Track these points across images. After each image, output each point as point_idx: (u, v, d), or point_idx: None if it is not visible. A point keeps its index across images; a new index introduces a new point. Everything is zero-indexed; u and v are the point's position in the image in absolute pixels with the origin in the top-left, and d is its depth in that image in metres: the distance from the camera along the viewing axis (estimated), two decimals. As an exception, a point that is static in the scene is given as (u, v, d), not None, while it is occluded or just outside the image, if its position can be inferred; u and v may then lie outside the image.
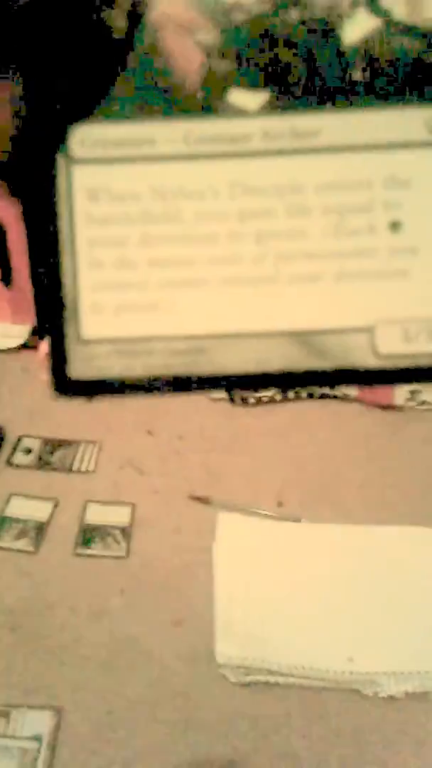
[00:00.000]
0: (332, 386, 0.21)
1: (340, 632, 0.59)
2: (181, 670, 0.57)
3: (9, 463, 0.78)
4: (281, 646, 0.57)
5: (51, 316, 0.21)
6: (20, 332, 0.97)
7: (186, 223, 0.21)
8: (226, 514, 0.71)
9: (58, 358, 0.21)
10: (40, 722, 0.52)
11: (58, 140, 0.20)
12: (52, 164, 0.20)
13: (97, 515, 0.72)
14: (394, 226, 0.20)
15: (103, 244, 0.21)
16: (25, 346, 0.96)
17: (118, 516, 0.71)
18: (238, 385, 0.21)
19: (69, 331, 0.21)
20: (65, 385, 0.21)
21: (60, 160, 0.20)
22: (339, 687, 0.55)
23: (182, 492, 0.74)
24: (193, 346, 0.21)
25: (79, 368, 0.21)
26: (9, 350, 0.95)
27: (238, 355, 0.21)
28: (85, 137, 0.21)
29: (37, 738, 0.51)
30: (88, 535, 0.69)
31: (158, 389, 0.21)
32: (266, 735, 0.52)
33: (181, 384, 0.21)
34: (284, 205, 0.20)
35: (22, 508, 0.72)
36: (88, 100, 0.20)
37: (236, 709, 0.54)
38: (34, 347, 0.90)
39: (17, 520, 0.71)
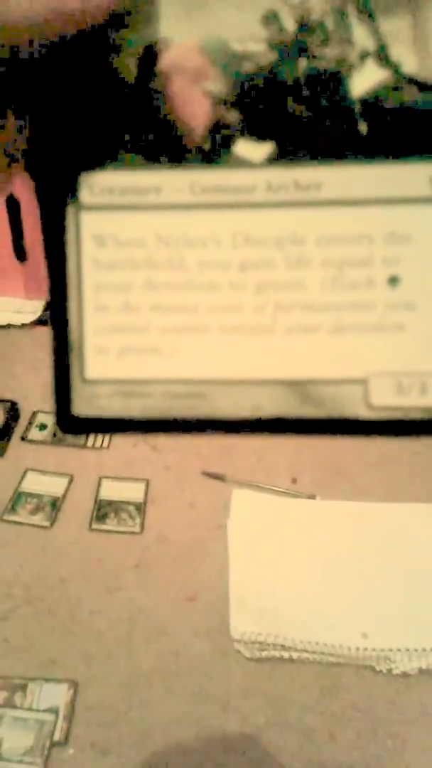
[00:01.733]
0: (324, 434, 0.22)
1: (354, 608, 0.59)
2: (195, 645, 0.57)
3: (24, 438, 0.78)
4: (295, 622, 0.58)
5: (57, 356, 0.21)
6: (34, 308, 0.97)
7: (189, 271, 0.21)
8: (240, 490, 0.71)
9: (63, 397, 0.22)
10: (56, 695, 0.53)
11: (68, 188, 0.21)
12: (61, 211, 0.21)
13: (111, 491, 0.72)
14: (393, 280, 0.20)
15: (109, 289, 0.21)
16: (39, 322, 0.96)
17: (133, 492, 0.72)
18: (234, 429, 0.21)
19: (74, 370, 0.21)
20: (68, 422, 0.22)
21: (69, 207, 0.21)
22: (352, 663, 0.55)
23: (196, 468, 0.74)
24: (191, 390, 0.21)
25: (82, 406, 0.22)
26: (23, 326, 0.95)
27: (235, 401, 0.21)
28: (94, 184, 0.21)
29: (54, 710, 0.51)
30: (102, 511, 0.70)
31: (156, 430, 0.22)
32: (280, 710, 0.53)
33: (178, 426, 0.21)
34: (285, 257, 0.21)
35: (37, 484, 0.73)
36: (99, 149, 0.21)
37: (250, 684, 0.54)
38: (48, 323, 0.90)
39: (32, 495, 0.71)
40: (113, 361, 0.21)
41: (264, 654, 0.56)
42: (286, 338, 0.21)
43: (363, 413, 0.21)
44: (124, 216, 0.21)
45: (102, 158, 0.21)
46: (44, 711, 0.51)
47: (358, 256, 0.21)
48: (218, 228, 0.21)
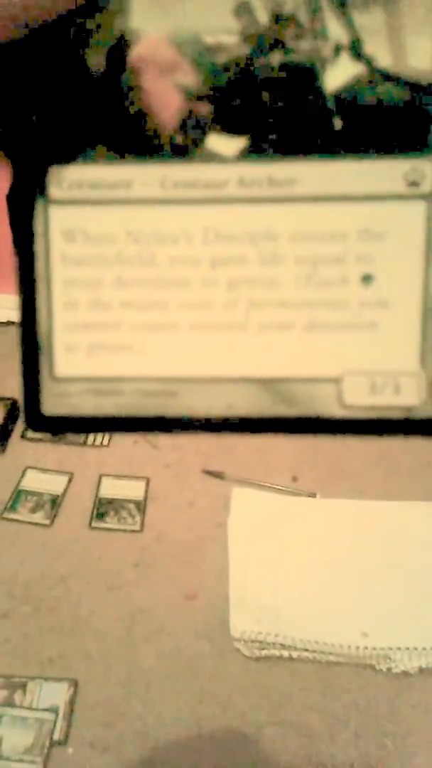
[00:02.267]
0: (297, 433, 0.22)
1: (354, 607, 0.59)
2: (195, 644, 0.57)
3: (24, 436, 0.78)
4: (295, 621, 0.58)
5: (26, 353, 0.21)
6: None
7: (160, 267, 0.21)
8: (241, 488, 0.71)
9: (32, 395, 0.21)
10: (56, 694, 0.53)
11: (36, 182, 0.20)
12: (29, 205, 0.21)
13: (111, 489, 0.72)
14: (367, 278, 0.20)
15: (78, 285, 0.21)
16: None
17: (133, 490, 0.72)
18: (207, 428, 0.21)
19: (43, 368, 0.21)
20: (38, 421, 0.21)
21: (38, 201, 0.21)
22: (352, 662, 0.55)
23: (196, 467, 0.74)
24: (163, 388, 0.21)
25: (51, 405, 0.21)
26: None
27: (208, 399, 0.21)
28: (63, 178, 0.21)
29: (54, 709, 0.51)
30: (102, 509, 0.69)
31: (129, 428, 0.21)
32: (279, 708, 0.52)
33: (150, 424, 0.21)
34: (257, 253, 0.20)
35: (37, 482, 0.73)
36: (67, 143, 0.20)
37: (250, 683, 0.54)
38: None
39: (32, 493, 0.71)
40: (83, 358, 0.21)
41: (264, 653, 0.56)
42: (259, 336, 0.21)
43: (337, 412, 0.21)
44: (94, 211, 0.21)
45: (71, 152, 0.20)
46: (44, 710, 0.51)
47: (332, 253, 0.20)
48: (189, 223, 0.20)
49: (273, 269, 0.20)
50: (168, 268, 0.21)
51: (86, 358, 0.21)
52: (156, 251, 0.21)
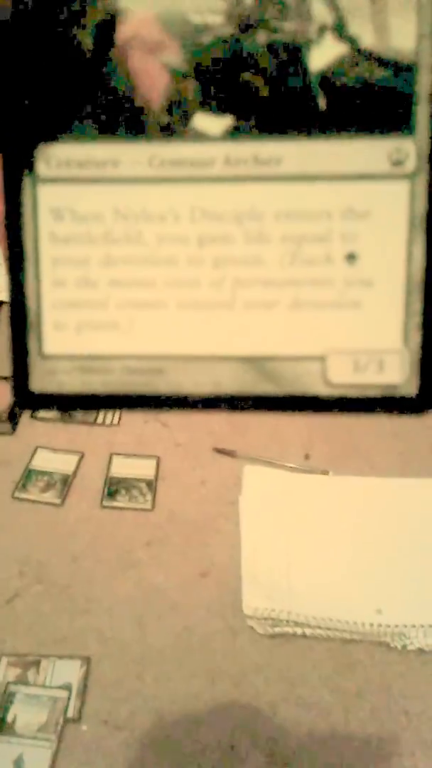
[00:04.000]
0: (282, 411, 0.22)
1: (368, 584, 0.59)
2: (207, 622, 0.57)
3: (34, 416, 0.78)
4: (308, 598, 0.57)
5: (15, 331, 0.21)
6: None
7: (147, 246, 0.21)
8: (252, 466, 0.70)
9: (21, 372, 0.22)
10: (69, 672, 0.53)
11: (24, 160, 0.21)
12: (18, 183, 0.21)
13: (122, 468, 0.72)
14: (351, 257, 0.21)
15: (66, 263, 0.21)
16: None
17: (143, 469, 0.71)
18: (193, 405, 0.22)
19: (31, 346, 0.21)
20: (27, 398, 0.22)
21: (26, 179, 0.21)
22: (367, 639, 0.55)
23: (207, 445, 0.73)
24: (150, 366, 0.21)
25: (40, 382, 0.22)
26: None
27: (194, 377, 0.21)
28: (51, 157, 0.21)
29: (67, 687, 0.51)
30: (113, 488, 0.69)
31: (116, 406, 0.22)
32: (293, 686, 0.52)
33: (138, 402, 0.22)
34: (243, 232, 0.21)
35: (47, 461, 0.72)
36: (55, 121, 0.20)
37: (263, 660, 0.54)
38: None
39: (43, 473, 0.71)
40: (71, 336, 0.21)
41: (277, 630, 0.55)
42: (245, 314, 0.21)
43: (321, 390, 0.21)
44: (82, 189, 0.21)
45: (59, 130, 0.21)
46: (57, 687, 0.51)
47: (317, 232, 0.21)
48: (176, 202, 0.21)
49: (258, 248, 0.21)
50: (155, 247, 0.21)
51: (74, 336, 0.21)
52: (143, 229, 0.21)
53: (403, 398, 0.21)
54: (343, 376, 0.21)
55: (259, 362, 0.21)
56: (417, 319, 0.21)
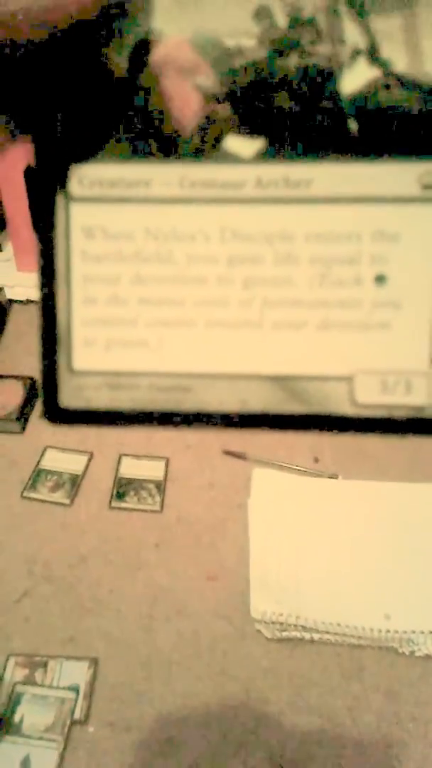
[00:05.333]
0: (309, 430, 0.22)
1: (376, 590, 0.58)
2: (215, 625, 0.57)
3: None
4: (316, 603, 0.57)
5: (45, 346, 0.22)
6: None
7: (177, 265, 0.21)
8: (261, 469, 0.70)
9: (50, 387, 0.22)
10: (77, 673, 0.53)
11: (58, 180, 0.21)
12: (51, 202, 0.21)
13: (131, 469, 0.72)
14: (380, 279, 0.21)
15: (97, 281, 0.21)
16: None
17: (152, 470, 0.71)
18: (220, 423, 0.22)
19: (61, 361, 0.22)
20: (56, 413, 0.22)
21: (59, 198, 0.21)
22: (375, 645, 0.55)
23: (216, 447, 0.73)
24: (178, 383, 0.21)
25: (69, 398, 0.22)
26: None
27: (221, 395, 0.21)
28: (84, 176, 0.21)
29: (74, 688, 0.51)
30: (122, 489, 0.69)
31: (143, 422, 0.22)
32: (301, 691, 0.52)
33: (165, 419, 0.22)
34: (273, 253, 0.21)
35: (57, 461, 0.72)
36: (89, 141, 0.21)
37: (271, 664, 0.54)
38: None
39: (52, 473, 0.71)
40: (101, 353, 0.21)
41: (285, 634, 0.55)
42: (273, 334, 0.21)
43: (348, 410, 0.21)
44: (114, 208, 0.21)
45: (92, 150, 0.21)
46: (65, 688, 0.51)
47: (346, 253, 0.21)
48: (207, 222, 0.21)
49: (288, 269, 0.21)
50: (185, 266, 0.21)
51: (104, 353, 0.21)
52: (174, 249, 0.21)
53: (430, 420, 0.21)
54: (370, 397, 0.21)
55: (286, 381, 0.21)
56: None
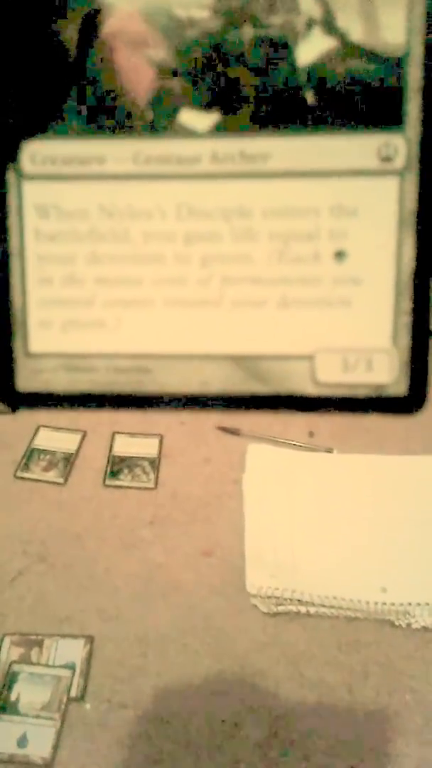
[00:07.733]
0: (271, 410, 0.22)
1: (372, 562, 0.58)
2: (211, 600, 0.57)
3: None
4: (312, 576, 0.57)
5: (0, 329, 0.21)
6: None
7: (133, 243, 0.21)
8: (256, 444, 0.70)
9: (6, 371, 0.21)
10: (72, 651, 0.52)
11: (8, 156, 0.20)
12: (2, 180, 0.21)
13: (125, 446, 0.71)
14: (339, 255, 0.20)
15: (52, 261, 0.21)
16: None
17: (146, 447, 0.71)
18: (180, 405, 0.22)
19: (17, 344, 0.21)
20: (12, 397, 0.22)
21: (10, 176, 0.20)
22: (371, 617, 0.55)
23: (210, 423, 0.73)
24: (137, 364, 0.21)
25: (26, 381, 0.22)
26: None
27: (181, 376, 0.21)
28: (36, 153, 0.20)
29: (70, 666, 0.51)
30: (116, 467, 0.69)
31: (103, 405, 0.22)
32: (297, 665, 0.52)
33: (124, 401, 0.22)
34: (230, 229, 0.20)
35: (50, 440, 0.72)
36: (39, 116, 0.20)
37: (267, 639, 0.54)
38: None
39: (46, 452, 0.70)
40: (57, 334, 0.21)
41: (281, 609, 0.55)
42: (233, 312, 0.21)
43: (309, 389, 0.21)
44: (67, 186, 0.20)
45: (42, 126, 0.20)
46: (61, 667, 0.51)
47: (305, 229, 0.20)
48: (163, 199, 0.20)
49: (246, 245, 0.20)
50: (142, 244, 0.21)
51: (60, 335, 0.21)
52: (130, 227, 0.20)
53: (392, 398, 0.21)
54: (332, 376, 0.21)
55: (247, 361, 0.21)
56: (406, 318, 0.20)
